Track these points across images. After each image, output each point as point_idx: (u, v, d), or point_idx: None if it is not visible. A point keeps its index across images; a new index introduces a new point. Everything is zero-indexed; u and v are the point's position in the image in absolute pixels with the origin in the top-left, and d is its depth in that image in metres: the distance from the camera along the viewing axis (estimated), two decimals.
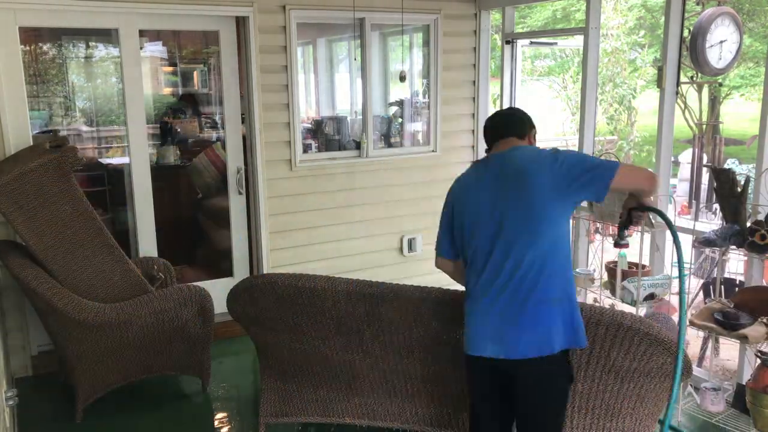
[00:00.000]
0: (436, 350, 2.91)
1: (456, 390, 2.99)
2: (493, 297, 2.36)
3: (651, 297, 3.75)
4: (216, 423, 3.76)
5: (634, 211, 2.55)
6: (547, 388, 2.40)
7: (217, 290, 4.08)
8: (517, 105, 5.32)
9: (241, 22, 4.56)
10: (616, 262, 4.05)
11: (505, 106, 5.28)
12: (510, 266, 2.32)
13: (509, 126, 2.56)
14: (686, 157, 8.96)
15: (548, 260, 2.31)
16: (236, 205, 4.81)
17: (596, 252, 4.34)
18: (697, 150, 6.05)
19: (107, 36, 5.46)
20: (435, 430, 3.13)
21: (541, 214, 2.31)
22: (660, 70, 3.97)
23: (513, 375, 2.39)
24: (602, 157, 2.82)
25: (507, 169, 2.41)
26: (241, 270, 4.86)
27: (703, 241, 3.53)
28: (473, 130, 5.48)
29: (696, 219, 4.09)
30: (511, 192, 2.35)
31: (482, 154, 5.52)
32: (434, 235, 2.65)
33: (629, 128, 10.86)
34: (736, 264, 5.32)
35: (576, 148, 4.79)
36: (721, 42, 3.81)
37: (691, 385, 3.62)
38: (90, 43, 6.27)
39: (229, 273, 4.88)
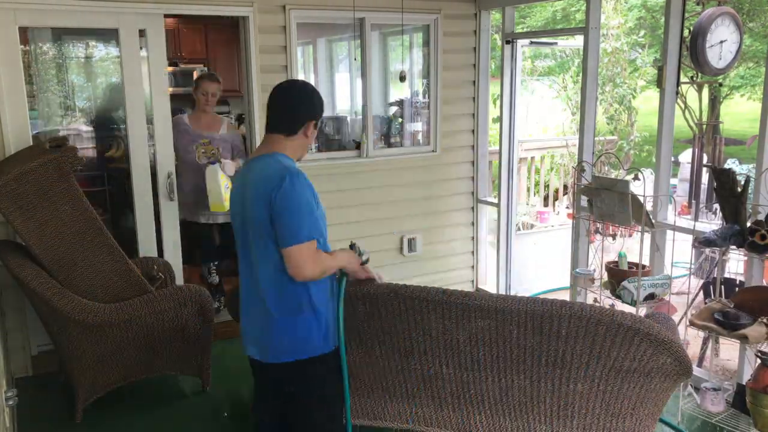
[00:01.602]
0: (435, 350, 2.91)
1: (456, 390, 2.99)
2: None
3: (651, 297, 3.75)
4: (216, 423, 3.75)
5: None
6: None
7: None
8: (518, 105, 5.31)
9: (240, 22, 4.56)
10: (616, 262, 4.05)
11: (506, 106, 5.27)
12: None
13: (282, 117, 2.48)
14: (686, 157, 8.95)
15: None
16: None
17: (596, 252, 4.34)
18: (697, 150, 6.05)
19: (107, 36, 5.46)
20: (435, 430, 3.13)
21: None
22: (660, 70, 3.97)
23: None
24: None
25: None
26: None
27: (703, 241, 3.52)
28: (473, 130, 5.48)
29: (696, 219, 4.10)
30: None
31: (483, 154, 5.55)
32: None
33: (629, 128, 10.85)
34: (736, 264, 5.32)
35: (576, 148, 4.79)
36: (721, 42, 3.81)
37: (691, 385, 3.62)
38: (90, 43, 6.27)
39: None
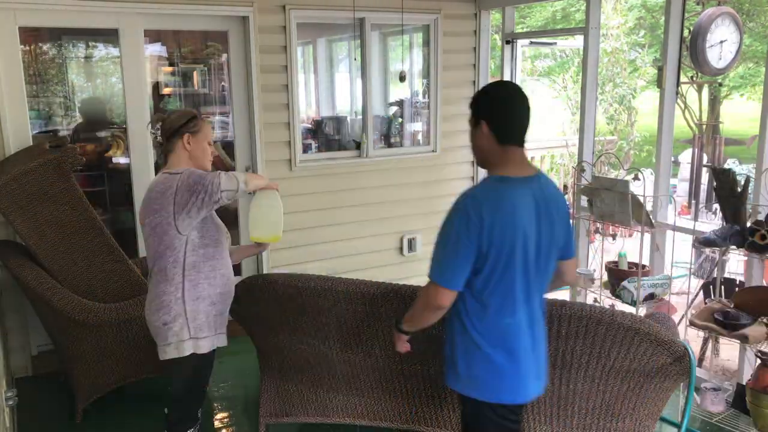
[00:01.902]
0: (435, 350, 2.91)
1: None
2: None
3: (651, 297, 3.75)
4: (216, 423, 3.75)
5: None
6: None
7: None
8: None
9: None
10: (616, 262, 4.05)
11: None
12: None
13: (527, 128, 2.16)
14: (686, 157, 8.95)
15: None
16: (244, 204, 4.80)
17: (596, 252, 4.33)
18: (697, 150, 6.05)
19: (108, 36, 5.45)
20: (434, 430, 3.13)
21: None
22: (660, 70, 3.97)
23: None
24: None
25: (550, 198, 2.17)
26: (249, 269, 4.86)
27: (703, 241, 3.52)
28: None
29: (696, 219, 4.09)
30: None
31: None
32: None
33: (629, 128, 10.86)
34: (736, 264, 5.32)
35: (576, 148, 4.79)
36: (721, 42, 3.81)
37: None
38: (90, 43, 6.27)
39: (236, 272, 4.86)
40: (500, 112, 2.12)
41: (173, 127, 2.70)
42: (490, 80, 5.50)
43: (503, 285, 2.11)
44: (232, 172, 2.65)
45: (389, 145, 5.31)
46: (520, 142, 2.13)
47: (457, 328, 2.22)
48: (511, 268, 2.09)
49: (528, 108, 2.14)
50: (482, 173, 5.52)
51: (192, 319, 2.64)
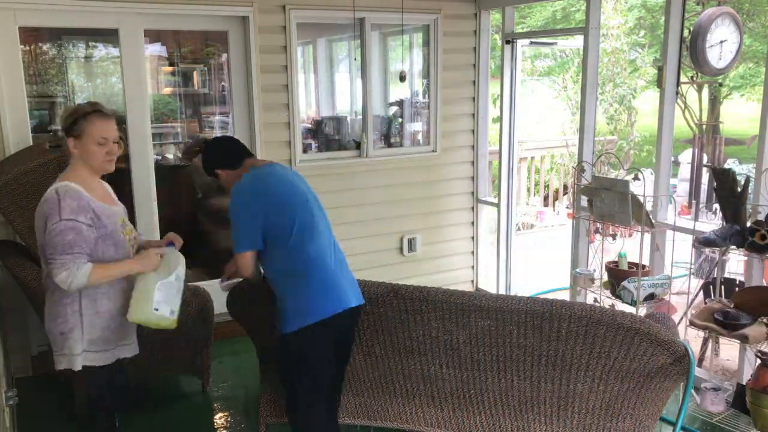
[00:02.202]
0: (435, 350, 2.91)
1: (456, 390, 2.99)
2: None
3: (651, 297, 3.75)
4: (216, 423, 3.75)
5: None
6: None
7: (218, 290, 4.07)
8: (517, 105, 5.31)
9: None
10: (616, 262, 4.05)
11: (506, 106, 5.27)
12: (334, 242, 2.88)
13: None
14: (686, 157, 8.95)
15: None
16: None
17: (596, 252, 4.33)
18: (697, 150, 6.04)
19: (108, 36, 5.46)
20: (435, 430, 3.13)
21: None
22: (660, 70, 3.97)
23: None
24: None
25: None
26: None
27: (703, 241, 3.52)
28: (473, 130, 5.47)
29: (696, 219, 4.09)
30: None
31: (482, 154, 5.55)
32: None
33: (629, 128, 10.85)
34: (736, 264, 5.32)
35: (576, 148, 4.79)
36: (721, 42, 3.81)
37: None
38: (90, 43, 6.27)
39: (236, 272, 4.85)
40: (225, 157, 2.83)
41: (63, 127, 2.56)
42: (490, 80, 5.51)
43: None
44: (76, 266, 2.38)
45: (389, 145, 5.31)
46: (249, 154, 2.88)
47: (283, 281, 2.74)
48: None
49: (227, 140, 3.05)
50: (482, 173, 5.52)
51: (88, 333, 2.55)
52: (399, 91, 5.56)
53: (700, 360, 4.26)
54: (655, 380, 2.65)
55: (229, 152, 2.84)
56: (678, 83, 3.99)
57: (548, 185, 8.36)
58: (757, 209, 3.50)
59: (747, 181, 3.42)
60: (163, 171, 5.65)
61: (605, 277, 4.07)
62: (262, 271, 2.82)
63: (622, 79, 10.39)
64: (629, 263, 3.99)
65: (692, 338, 4.07)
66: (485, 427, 3.01)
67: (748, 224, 3.39)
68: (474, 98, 5.42)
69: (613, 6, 9.67)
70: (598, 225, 4.43)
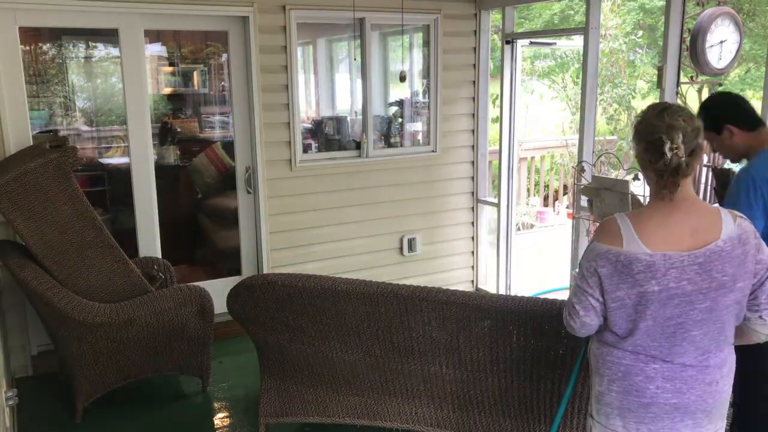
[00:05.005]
0: (435, 350, 2.91)
1: (455, 390, 2.99)
2: None
3: None
4: (216, 423, 3.76)
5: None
6: None
7: (218, 290, 4.08)
8: (517, 105, 5.31)
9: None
10: None
11: (505, 106, 5.27)
12: None
13: None
14: None
15: None
16: (244, 204, 4.81)
17: None
18: None
19: (108, 36, 5.46)
20: (435, 430, 3.13)
21: None
22: (660, 70, 3.97)
23: None
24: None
25: None
26: (249, 269, 4.86)
27: None
28: (473, 130, 5.48)
29: None
30: None
31: (482, 154, 5.55)
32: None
33: (629, 128, 10.85)
34: None
35: (576, 148, 4.79)
36: (721, 42, 3.81)
37: None
38: (90, 43, 6.27)
39: (236, 272, 4.88)
40: (738, 111, 2.68)
41: None
42: (490, 80, 5.50)
43: None
44: None
45: (389, 145, 5.31)
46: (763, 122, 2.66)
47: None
48: None
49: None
50: (482, 173, 5.52)
51: None
52: (399, 91, 5.56)
53: None
54: None
55: (745, 111, 2.70)
56: (678, 83, 3.99)
57: (548, 185, 8.36)
58: None
59: None
60: (162, 171, 5.66)
61: None
62: None
63: (620, 80, 10.40)
64: None
65: None
66: (485, 427, 3.01)
67: None
68: (474, 98, 5.42)
69: (609, 7, 9.68)
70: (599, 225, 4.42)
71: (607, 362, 2.03)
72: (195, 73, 7.03)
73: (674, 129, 1.89)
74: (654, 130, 1.93)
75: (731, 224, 1.92)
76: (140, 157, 4.42)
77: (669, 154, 1.88)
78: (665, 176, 1.91)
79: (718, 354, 1.97)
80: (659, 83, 3.99)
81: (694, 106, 10.90)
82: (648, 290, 1.89)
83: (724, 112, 2.67)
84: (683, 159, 1.89)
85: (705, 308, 1.90)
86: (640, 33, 11.48)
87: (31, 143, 4.03)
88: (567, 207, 7.71)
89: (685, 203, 1.95)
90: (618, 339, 2.00)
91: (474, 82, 5.40)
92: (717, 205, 2.31)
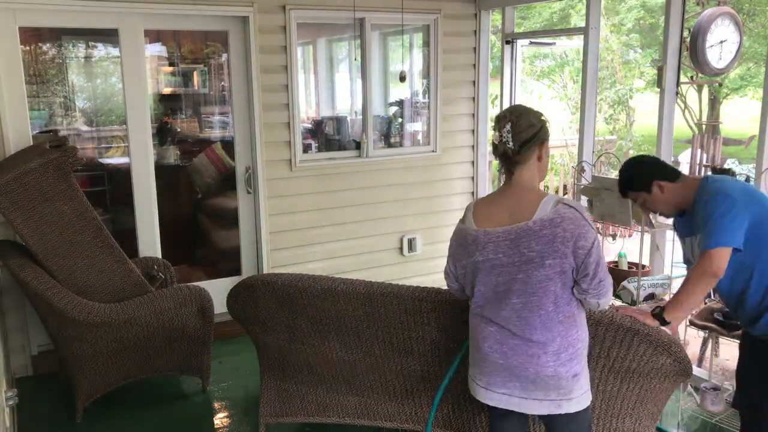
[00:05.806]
0: (435, 351, 2.91)
1: (455, 390, 2.99)
2: None
3: (651, 297, 3.75)
4: (216, 423, 3.76)
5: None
6: None
7: (218, 290, 4.08)
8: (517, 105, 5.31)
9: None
10: (616, 262, 4.05)
11: (505, 106, 5.28)
12: None
13: None
14: (686, 157, 8.96)
15: None
16: (244, 204, 4.80)
17: None
18: (699, 150, 6.04)
19: (108, 36, 5.45)
20: (435, 429, 3.13)
21: None
22: (660, 70, 3.97)
23: None
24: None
25: None
26: (249, 269, 4.86)
27: None
28: (473, 130, 5.48)
29: None
30: None
31: (482, 154, 5.55)
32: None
33: (627, 128, 10.87)
34: None
35: (576, 148, 4.79)
36: (721, 42, 3.81)
37: (691, 385, 3.61)
38: (90, 43, 6.26)
39: (236, 272, 4.87)
40: (658, 165, 2.80)
41: None
42: (490, 80, 5.50)
43: None
44: None
45: (389, 145, 5.31)
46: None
47: None
48: None
49: None
50: (482, 173, 5.52)
51: None
52: (399, 91, 5.56)
53: (700, 360, 4.26)
54: (655, 381, 2.65)
55: (665, 166, 2.80)
56: (678, 83, 4.00)
57: (548, 185, 8.37)
58: None
59: (747, 181, 3.41)
60: (162, 171, 5.65)
61: None
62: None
63: (615, 79, 10.41)
64: (629, 263, 3.99)
65: (692, 338, 4.07)
66: (485, 426, 3.01)
67: None
68: (474, 98, 5.42)
69: (611, 7, 9.68)
70: (598, 225, 4.43)
71: (469, 323, 2.41)
72: (195, 73, 7.02)
73: (500, 120, 2.24)
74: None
75: (548, 209, 2.18)
76: (140, 157, 4.42)
77: (496, 141, 2.23)
78: (500, 163, 2.28)
79: (545, 333, 2.22)
80: (659, 83, 3.99)
81: (694, 106, 10.90)
82: (477, 260, 2.27)
83: (647, 170, 2.75)
84: (509, 147, 2.20)
85: (521, 279, 2.21)
86: (640, 33, 11.48)
87: (31, 143, 4.03)
88: None
89: (517, 188, 2.26)
90: (471, 305, 2.38)
91: (474, 82, 5.40)
92: (553, 194, 2.60)
